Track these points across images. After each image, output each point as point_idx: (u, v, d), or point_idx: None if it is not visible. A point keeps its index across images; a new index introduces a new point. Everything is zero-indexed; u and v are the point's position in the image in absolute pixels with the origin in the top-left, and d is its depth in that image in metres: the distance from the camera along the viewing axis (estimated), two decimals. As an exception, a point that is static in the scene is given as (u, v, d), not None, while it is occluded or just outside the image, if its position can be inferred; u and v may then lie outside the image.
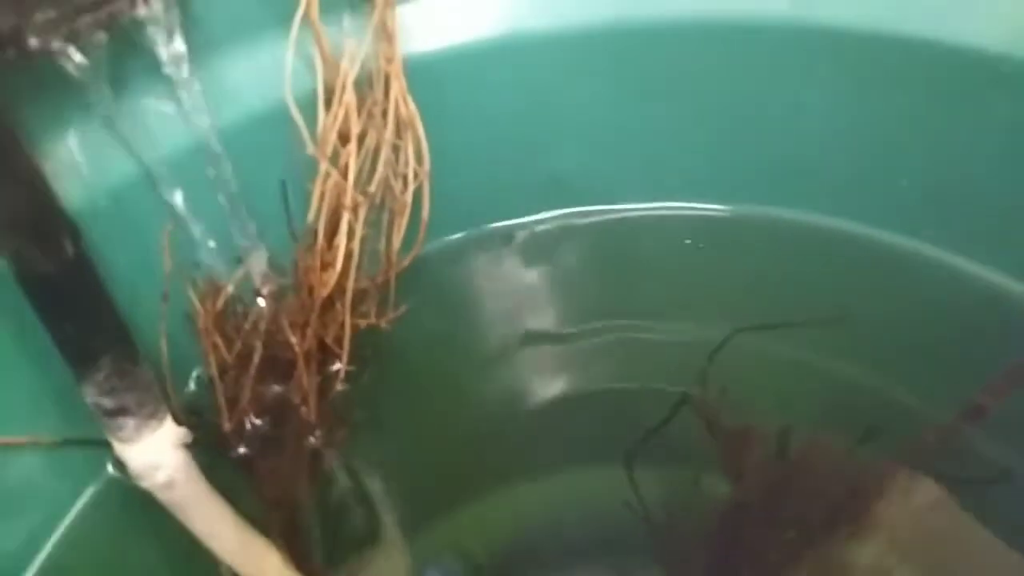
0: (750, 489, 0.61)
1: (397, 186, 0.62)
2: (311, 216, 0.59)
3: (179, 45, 0.52)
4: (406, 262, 0.64)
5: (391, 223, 0.63)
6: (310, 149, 0.57)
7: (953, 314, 0.68)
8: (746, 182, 0.72)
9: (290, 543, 0.57)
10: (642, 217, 0.74)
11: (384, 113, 0.60)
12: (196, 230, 0.55)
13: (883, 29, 0.61)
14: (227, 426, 0.57)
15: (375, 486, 0.63)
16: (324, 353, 0.59)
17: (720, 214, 0.74)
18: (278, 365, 0.58)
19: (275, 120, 0.57)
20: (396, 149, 0.62)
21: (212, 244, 0.56)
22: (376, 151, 0.60)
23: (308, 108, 0.58)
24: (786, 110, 0.67)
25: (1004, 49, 0.59)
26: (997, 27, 0.60)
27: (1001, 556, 0.58)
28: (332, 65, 0.58)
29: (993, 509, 0.58)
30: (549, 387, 0.70)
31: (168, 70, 0.53)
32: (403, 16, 0.60)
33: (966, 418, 0.62)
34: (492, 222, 0.74)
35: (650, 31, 0.65)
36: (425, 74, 0.61)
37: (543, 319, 0.73)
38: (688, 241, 0.74)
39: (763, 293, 0.70)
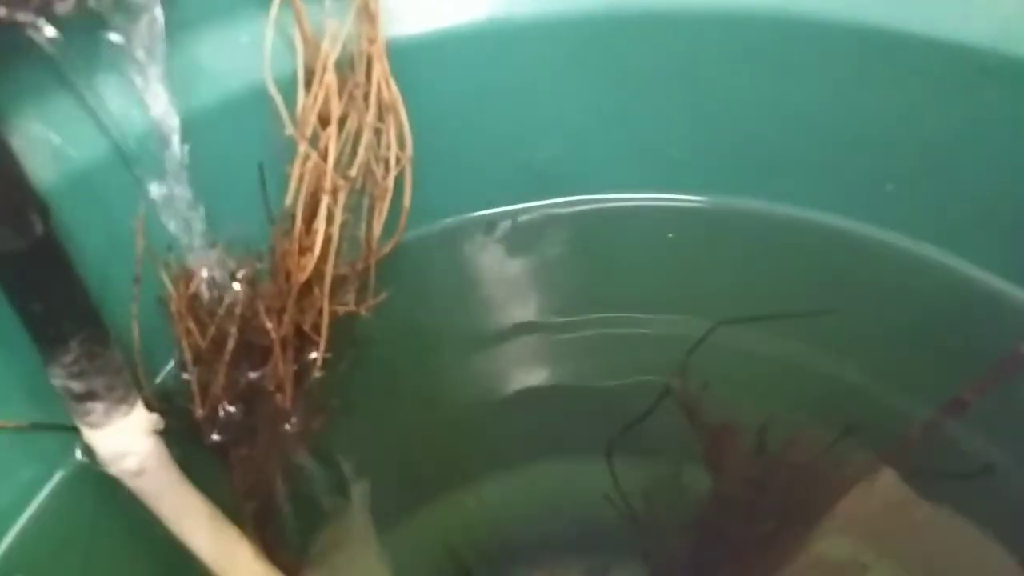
0: (731, 483, 0.61)
1: (378, 171, 0.61)
2: (289, 199, 0.58)
3: (156, 21, 0.51)
4: (387, 249, 0.63)
5: (372, 209, 0.62)
6: (289, 130, 0.56)
7: (936, 308, 0.68)
8: (732, 174, 0.71)
9: (263, 533, 0.56)
10: (626, 208, 0.74)
11: (366, 96, 0.59)
12: (170, 211, 0.54)
13: (871, 23, 0.61)
14: (200, 412, 0.56)
15: (351, 476, 0.62)
16: (301, 339, 0.58)
17: (704, 206, 0.73)
18: (253, 351, 0.57)
19: (253, 101, 0.56)
20: (378, 133, 0.61)
21: (186, 226, 0.55)
22: (357, 135, 0.59)
23: (288, 89, 0.57)
24: (772, 102, 0.67)
25: (991, 44, 0.59)
26: (985, 21, 0.59)
27: (978, 549, 0.57)
28: (313, 46, 0.57)
29: (976, 503, 0.58)
30: (529, 378, 0.70)
31: (144, 47, 0.51)
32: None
33: (947, 413, 0.62)
34: (474, 211, 0.73)
35: (637, 20, 0.64)
36: (408, 58, 0.60)
37: (525, 310, 0.72)
38: (671, 234, 0.73)
39: (746, 286, 0.70)
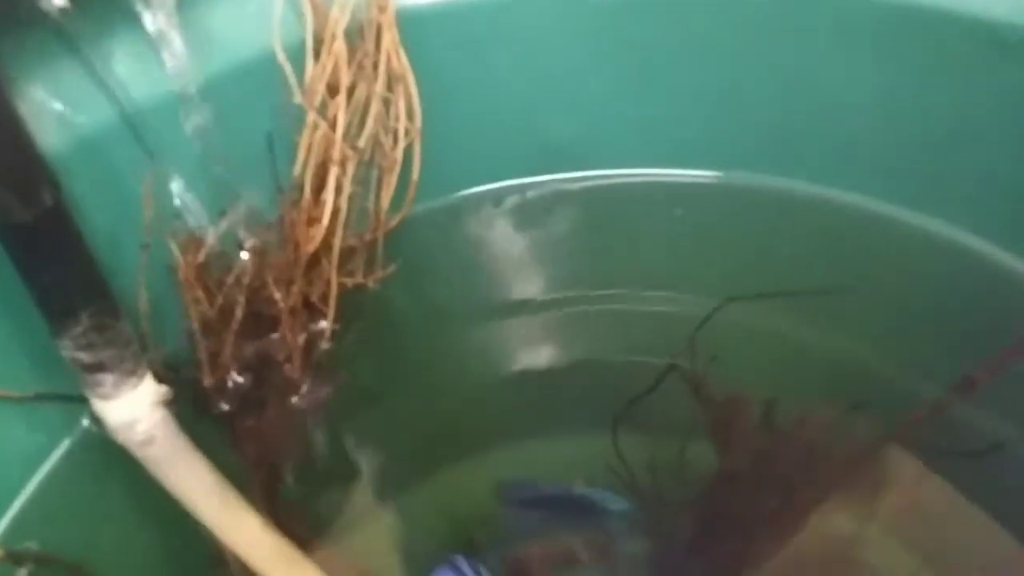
0: (737, 459, 0.61)
1: (387, 142, 0.61)
2: (298, 169, 0.57)
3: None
4: (395, 221, 0.63)
5: (380, 180, 0.62)
6: (298, 98, 0.56)
7: (950, 287, 0.67)
8: (741, 149, 0.71)
9: (271, 503, 0.56)
10: (635, 183, 0.73)
11: (375, 65, 0.58)
12: (178, 180, 0.54)
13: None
14: (208, 382, 0.56)
15: (358, 447, 0.62)
16: (309, 310, 0.58)
17: (714, 181, 0.73)
18: (262, 321, 0.56)
19: (262, 69, 0.56)
20: (387, 104, 0.60)
21: (194, 195, 0.54)
22: (366, 105, 0.59)
23: (297, 58, 0.56)
24: (783, 77, 0.66)
25: (1009, 18, 0.58)
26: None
27: (985, 526, 0.57)
28: (322, 14, 0.56)
29: (984, 482, 0.58)
30: (536, 353, 0.70)
31: (153, 15, 0.51)
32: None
33: (956, 391, 0.62)
34: (482, 184, 0.72)
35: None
36: (419, 28, 0.60)
37: (532, 285, 0.72)
38: (680, 211, 0.73)
39: (757, 263, 0.70)
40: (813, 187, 0.71)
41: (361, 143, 0.59)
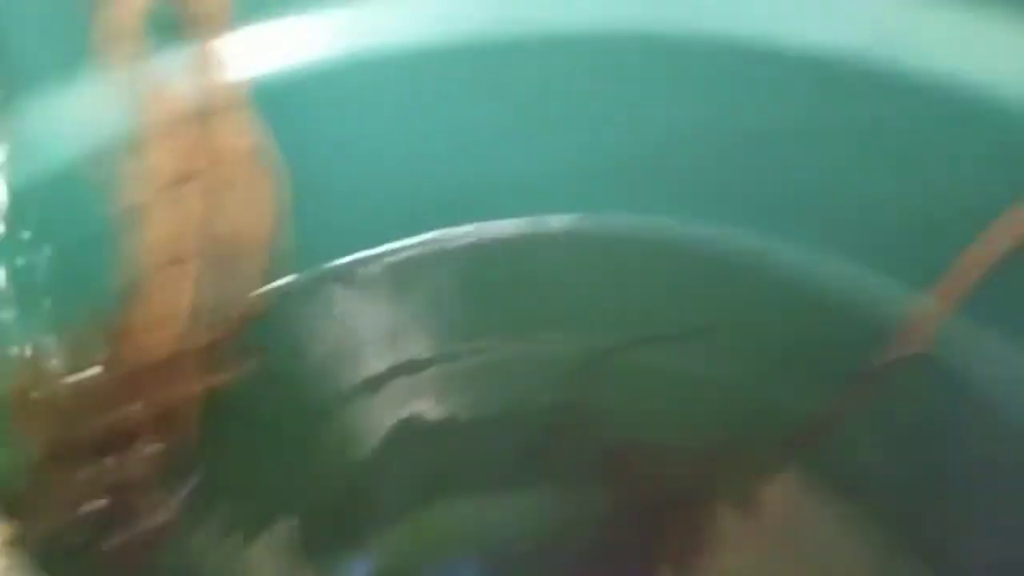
0: (634, 505, 0.60)
1: (241, 226, 0.57)
2: (141, 270, 0.54)
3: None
4: (256, 308, 0.60)
5: (235, 267, 0.58)
6: (134, 195, 0.52)
7: (822, 316, 0.67)
8: (612, 191, 0.70)
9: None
10: (511, 234, 0.72)
11: (219, 148, 0.55)
12: (5, 301, 0.49)
13: (725, 33, 0.61)
14: (60, 514, 0.51)
15: (240, 555, 0.59)
16: (168, 420, 0.54)
17: (586, 226, 0.72)
18: (115, 440, 0.52)
19: (94, 167, 0.52)
20: (239, 186, 0.57)
21: (25, 315, 0.50)
22: (214, 190, 0.55)
23: (132, 150, 0.53)
24: (643, 118, 0.66)
25: (857, 49, 0.59)
26: (852, 26, 0.59)
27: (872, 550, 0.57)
28: (155, 100, 0.53)
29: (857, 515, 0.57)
30: (424, 419, 0.67)
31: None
32: (240, 39, 0.56)
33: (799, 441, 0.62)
34: (354, 252, 0.70)
35: (509, 45, 0.63)
36: (274, 100, 0.57)
37: (414, 348, 0.69)
38: (555, 255, 0.72)
39: (634, 304, 0.69)
40: (683, 224, 0.70)
41: (212, 231, 0.55)
